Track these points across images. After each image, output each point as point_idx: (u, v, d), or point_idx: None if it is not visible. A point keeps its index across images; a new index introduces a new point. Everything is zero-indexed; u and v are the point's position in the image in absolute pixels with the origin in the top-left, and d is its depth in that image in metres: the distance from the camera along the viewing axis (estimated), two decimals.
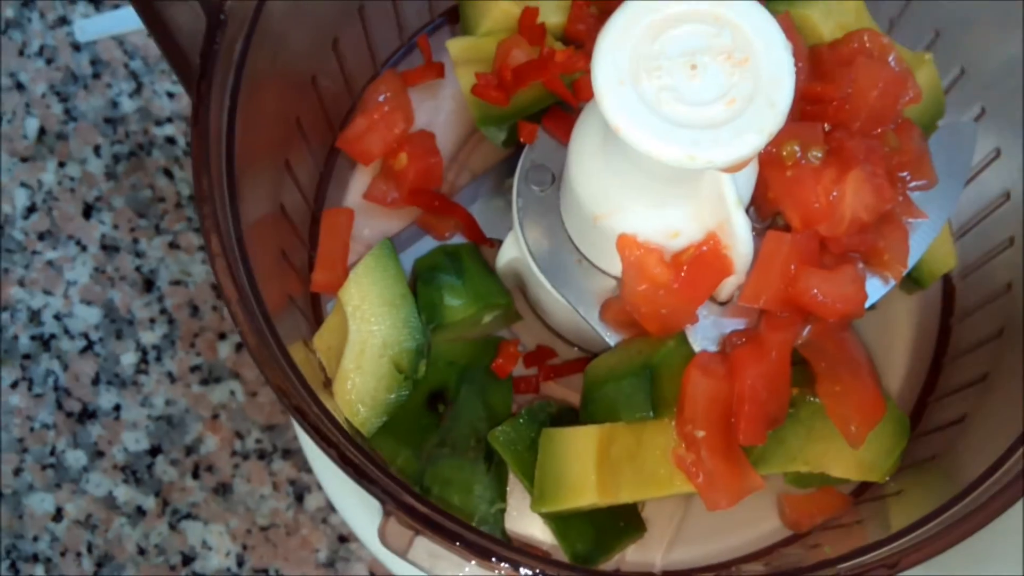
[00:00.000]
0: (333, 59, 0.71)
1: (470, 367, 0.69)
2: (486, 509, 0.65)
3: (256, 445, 0.88)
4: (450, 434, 0.67)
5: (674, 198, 0.58)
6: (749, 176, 0.59)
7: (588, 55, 0.54)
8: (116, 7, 0.99)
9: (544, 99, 0.68)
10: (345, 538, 0.86)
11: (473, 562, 0.49)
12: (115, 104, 0.96)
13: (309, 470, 0.86)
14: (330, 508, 0.86)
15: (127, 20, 0.98)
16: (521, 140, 0.67)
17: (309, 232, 0.74)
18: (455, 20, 0.79)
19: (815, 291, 0.60)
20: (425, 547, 0.49)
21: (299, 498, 0.87)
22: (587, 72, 0.65)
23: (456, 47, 0.73)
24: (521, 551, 0.52)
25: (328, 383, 0.66)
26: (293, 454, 0.87)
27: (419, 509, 0.50)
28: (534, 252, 0.65)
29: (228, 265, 0.52)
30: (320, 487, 0.81)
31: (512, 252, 0.67)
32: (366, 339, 0.64)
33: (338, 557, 0.86)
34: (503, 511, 0.67)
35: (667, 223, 0.58)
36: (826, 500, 0.69)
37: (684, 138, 0.51)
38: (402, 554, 0.49)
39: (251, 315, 0.52)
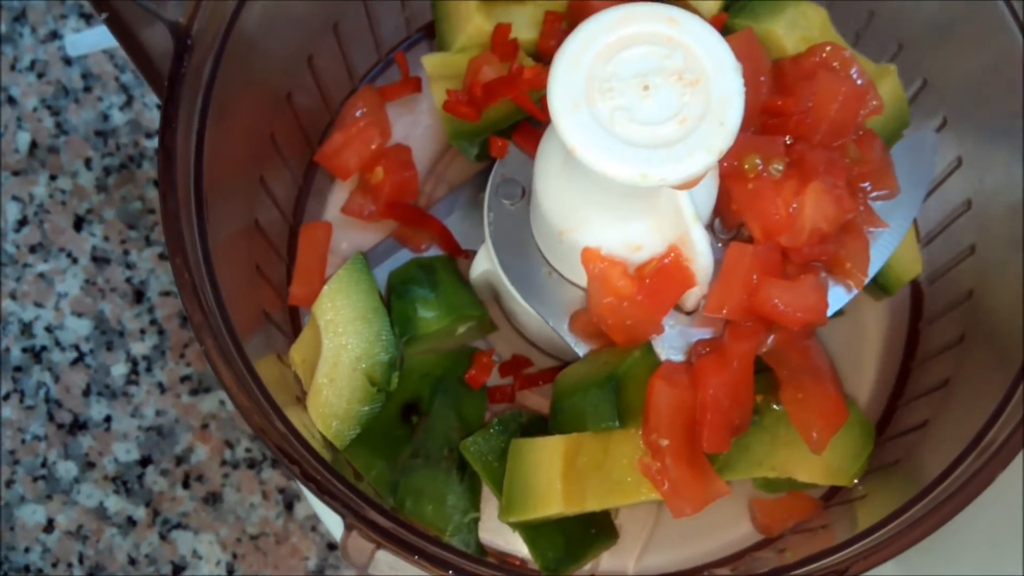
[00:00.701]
0: (309, 76, 0.73)
1: (444, 378, 0.70)
2: (460, 519, 0.67)
3: (246, 454, 0.88)
4: (423, 445, 0.68)
5: (634, 213, 0.59)
6: (709, 190, 0.61)
7: None
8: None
9: (514, 114, 0.69)
10: (334, 545, 0.87)
11: None
12: (106, 117, 0.97)
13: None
14: (319, 516, 0.86)
15: None
16: (492, 155, 0.68)
17: (288, 246, 0.75)
18: (433, 35, 0.80)
19: (776, 301, 0.61)
20: (387, 560, 0.51)
21: (288, 506, 0.87)
22: None
23: (431, 63, 0.74)
24: (485, 563, 0.53)
25: (303, 396, 0.67)
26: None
27: (380, 523, 0.52)
28: (505, 265, 0.66)
29: (193, 286, 0.54)
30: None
31: (484, 264, 0.69)
32: (339, 353, 0.65)
33: (327, 565, 0.87)
34: (477, 520, 0.68)
35: (629, 237, 0.60)
36: (796, 504, 0.70)
37: (637, 157, 0.53)
38: (363, 568, 0.51)
39: (216, 336, 0.54)
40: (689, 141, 0.53)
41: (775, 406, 0.64)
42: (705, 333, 0.65)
